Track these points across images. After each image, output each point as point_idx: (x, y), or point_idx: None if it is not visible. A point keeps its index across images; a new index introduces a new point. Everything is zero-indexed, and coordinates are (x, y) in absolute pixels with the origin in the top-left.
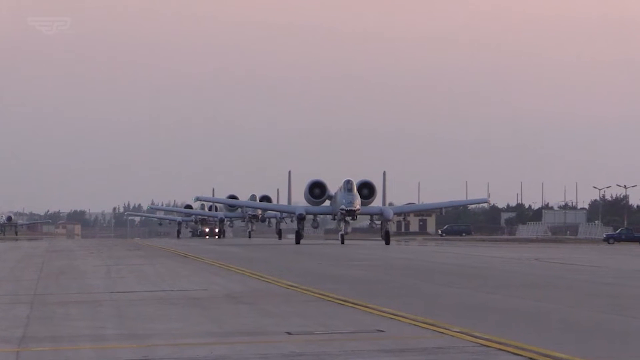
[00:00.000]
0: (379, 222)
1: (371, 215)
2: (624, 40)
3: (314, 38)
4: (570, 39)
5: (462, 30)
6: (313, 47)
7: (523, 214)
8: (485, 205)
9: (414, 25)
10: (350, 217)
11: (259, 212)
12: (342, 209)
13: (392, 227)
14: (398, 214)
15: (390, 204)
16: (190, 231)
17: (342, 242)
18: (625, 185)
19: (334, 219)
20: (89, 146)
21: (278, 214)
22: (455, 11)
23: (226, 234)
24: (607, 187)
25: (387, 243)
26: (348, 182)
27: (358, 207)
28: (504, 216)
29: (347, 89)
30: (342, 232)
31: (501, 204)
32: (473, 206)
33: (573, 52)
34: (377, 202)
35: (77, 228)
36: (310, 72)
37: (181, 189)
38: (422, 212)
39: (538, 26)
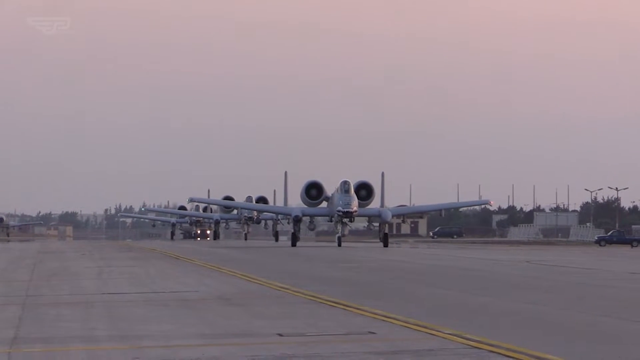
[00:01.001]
0: (376, 224)
1: (369, 217)
2: (618, 41)
3: (312, 38)
4: (563, 40)
5: (457, 32)
6: (311, 47)
7: (514, 216)
8: (477, 207)
9: (412, 26)
10: (348, 219)
11: (255, 213)
12: (339, 211)
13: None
14: (396, 215)
15: (383, 206)
16: (181, 233)
17: (339, 245)
18: (617, 188)
19: (331, 221)
20: (81, 147)
21: (274, 215)
22: (451, 13)
23: (219, 236)
24: (599, 190)
25: (386, 245)
26: (345, 183)
27: (355, 208)
28: (496, 218)
29: (345, 89)
30: (339, 234)
31: (493, 206)
32: (464, 208)
33: (566, 53)
34: (375, 204)
35: (69, 229)
36: (308, 72)
37: (175, 191)
38: (422, 214)
39: (533, 27)
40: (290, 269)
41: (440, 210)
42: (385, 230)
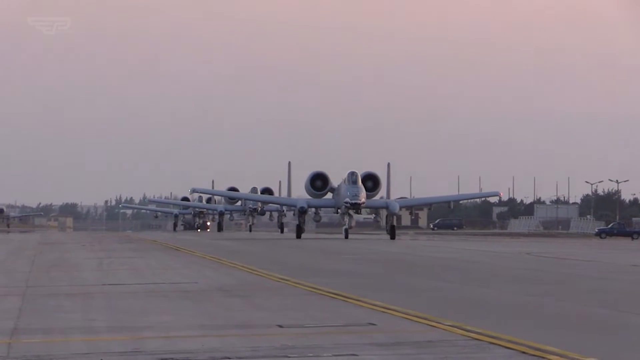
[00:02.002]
0: (377, 215)
1: (376, 208)
2: (618, 35)
3: (314, 32)
4: (563, 33)
5: (456, 27)
6: (313, 41)
7: (515, 209)
8: (478, 200)
9: (413, 21)
10: (354, 211)
11: (259, 205)
12: (346, 202)
13: (383, 221)
14: (404, 207)
15: (382, 197)
16: (182, 224)
17: (346, 237)
18: (617, 180)
19: (337, 212)
20: (81, 139)
21: (279, 207)
22: (451, 10)
23: (223, 228)
24: (599, 182)
25: (393, 238)
26: (352, 174)
27: (363, 200)
28: (496, 210)
29: (345, 82)
30: (346, 226)
31: (493, 198)
32: (464, 200)
33: (566, 47)
34: (380, 195)
35: (69, 221)
36: (309, 66)
37: (177, 182)
38: (430, 206)
39: (532, 21)
40: (291, 260)
41: (449, 202)
42: (392, 222)
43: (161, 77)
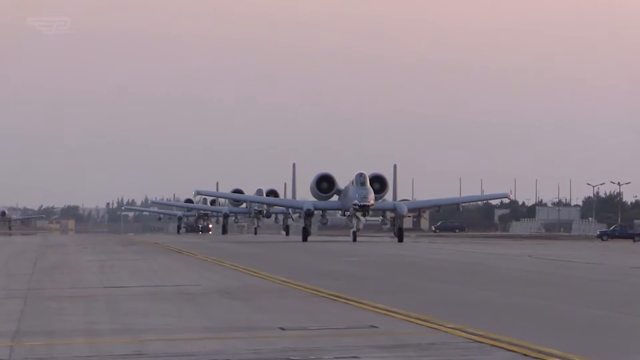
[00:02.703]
0: (381, 218)
1: (383, 210)
2: (620, 34)
3: (316, 31)
4: (565, 34)
5: (457, 25)
6: (311, 41)
7: (517, 211)
8: (480, 202)
9: (413, 19)
10: (362, 213)
11: (265, 207)
12: (355, 204)
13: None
14: (412, 209)
15: (384, 200)
16: (184, 227)
17: (354, 240)
18: (619, 182)
19: (344, 215)
20: (83, 141)
21: (284, 209)
22: (452, 8)
23: (227, 231)
24: (601, 184)
25: (400, 240)
26: (361, 176)
27: (372, 202)
28: (498, 213)
29: (348, 81)
30: (354, 228)
31: (495, 201)
32: (466, 203)
33: (567, 47)
34: (387, 198)
35: (71, 223)
36: (309, 65)
37: (179, 184)
38: (439, 208)
39: (534, 22)
40: (294, 263)
41: (458, 203)
42: (400, 225)
43: (162, 77)
